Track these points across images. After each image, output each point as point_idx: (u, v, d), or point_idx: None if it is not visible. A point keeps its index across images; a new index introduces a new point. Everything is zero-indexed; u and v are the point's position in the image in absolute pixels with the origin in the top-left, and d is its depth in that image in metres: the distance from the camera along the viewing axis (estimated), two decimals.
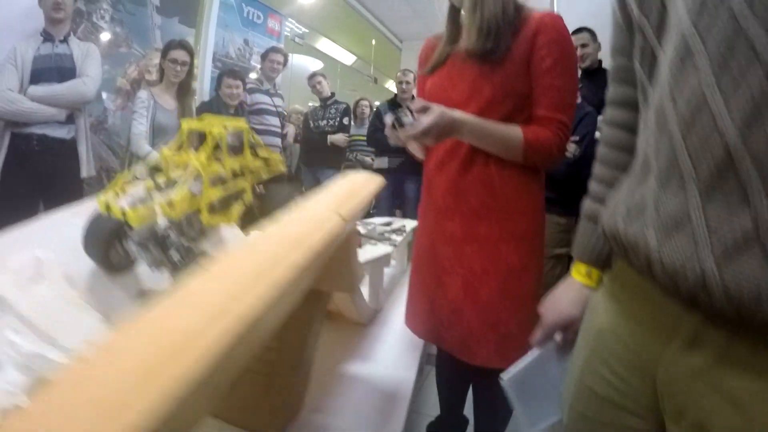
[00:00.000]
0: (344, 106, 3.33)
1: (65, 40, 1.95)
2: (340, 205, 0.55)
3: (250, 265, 0.35)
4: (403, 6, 5.10)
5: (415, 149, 1.03)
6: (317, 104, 3.43)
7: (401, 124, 0.80)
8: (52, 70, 1.89)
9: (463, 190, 0.94)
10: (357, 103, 3.58)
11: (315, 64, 6.24)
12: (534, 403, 0.70)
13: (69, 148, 1.90)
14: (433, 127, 0.80)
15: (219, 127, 0.68)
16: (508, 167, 0.91)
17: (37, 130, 1.83)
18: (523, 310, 0.93)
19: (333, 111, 3.28)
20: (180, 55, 2.13)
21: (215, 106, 2.40)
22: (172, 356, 0.24)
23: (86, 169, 1.95)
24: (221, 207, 0.69)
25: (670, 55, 0.39)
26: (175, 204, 0.57)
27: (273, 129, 2.81)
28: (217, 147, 0.66)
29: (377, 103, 3.76)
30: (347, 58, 6.83)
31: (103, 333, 0.60)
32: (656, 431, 0.43)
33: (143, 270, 0.66)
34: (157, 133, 2.11)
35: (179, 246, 0.60)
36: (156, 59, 2.62)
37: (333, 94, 3.36)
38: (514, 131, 0.88)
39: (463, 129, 0.85)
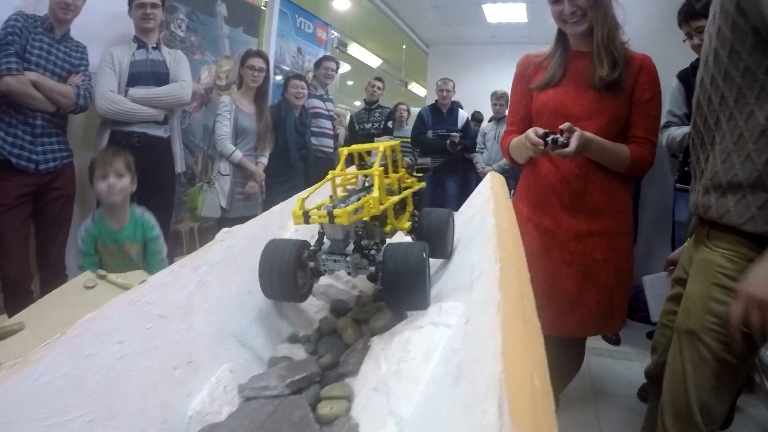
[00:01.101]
0: (388, 110, 3.55)
1: (157, 47, 2.15)
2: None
3: None
4: (431, 12, 5.30)
5: (524, 156, 1.21)
6: (361, 108, 3.66)
7: (558, 145, 1.00)
8: (148, 74, 2.08)
9: (590, 192, 1.14)
10: (396, 106, 3.80)
11: (342, 68, 6.46)
12: (654, 303, 1.23)
13: (166, 145, 2.10)
14: (580, 147, 1.00)
15: (388, 143, 0.71)
16: (619, 175, 1.15)
17: (138, 129, 2.01)
18: (629, 288, 1.23)
19: (377, 114, 3.50)
20: (258, 62, 2.34)
21: (283, 108, 2.61)
22: None
23: (180, 165, 2.16)
24: (396, 215, 0.71)
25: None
26: (372, 203, 0.57)
27: (326, 131, 3.03)
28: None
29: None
30: (373, 62, 7.05)
31: None
32: None
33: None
34: (239, 134, 2.31)
35: (376, 246, 0.60)
36: (226, 66, 2.85)
37: (377, 99, 3.58)
38: (624, 149, 1.12)
39: (592, 146, 1.06)
